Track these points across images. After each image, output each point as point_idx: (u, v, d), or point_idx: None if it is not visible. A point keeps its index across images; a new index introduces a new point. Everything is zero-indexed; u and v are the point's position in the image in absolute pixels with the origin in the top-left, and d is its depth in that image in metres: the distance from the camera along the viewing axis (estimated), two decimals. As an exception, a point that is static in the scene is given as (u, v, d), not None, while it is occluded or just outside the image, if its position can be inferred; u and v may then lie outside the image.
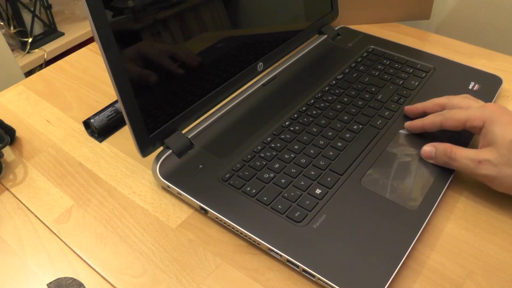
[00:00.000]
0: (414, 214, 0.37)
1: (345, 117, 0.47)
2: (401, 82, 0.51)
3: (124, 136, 0.49)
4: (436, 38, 0.62)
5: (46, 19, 1.13)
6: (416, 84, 0.51)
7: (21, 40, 1.10)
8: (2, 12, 1.07)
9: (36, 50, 1.11)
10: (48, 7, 1.11)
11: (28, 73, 1.11)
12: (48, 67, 0.61)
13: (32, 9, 1.08)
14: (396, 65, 0.54)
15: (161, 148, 0.43)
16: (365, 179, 0.40)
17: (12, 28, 1.08)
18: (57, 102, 0.55)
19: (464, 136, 0.44)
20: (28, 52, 1.10)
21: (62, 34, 1.16)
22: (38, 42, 1.12)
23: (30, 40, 1.10)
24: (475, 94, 0.49)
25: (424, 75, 0.52)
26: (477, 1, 0.71)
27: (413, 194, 0.39)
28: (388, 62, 0.54)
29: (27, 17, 1.08)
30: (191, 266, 0.36)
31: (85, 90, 0.56)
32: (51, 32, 1.14)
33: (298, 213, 0.37)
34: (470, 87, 0.50)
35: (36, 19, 1.10)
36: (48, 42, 1.13)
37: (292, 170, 0.41)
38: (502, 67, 0.56)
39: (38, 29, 1.12)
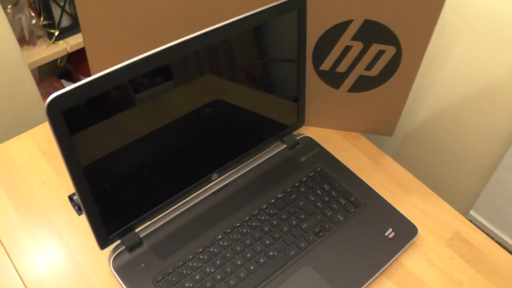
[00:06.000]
0: None
1: (267, 241, 0.63)
2: (330, 213, 0.67)
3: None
4: (386, 162, 0.76)
5: (73, 14, 1.30)
6: (341, 219, 0.66)
7: (48, 32, 1.28)
8: (34, 4, 1.25)
9: (61, 42, 1.30)
10: (78, 2, 1.28)
11: (52, 63, 1.31)
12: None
13: (61, 4, 1.25)
14: (333, 193, 0.69)
15: (118, 242, 0.62)
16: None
17: (42, 19, 1.27)
18: (55, 163, 0.73)
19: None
20: (53, 43, 1.29)
21: (88, 27, 1.34)
22: (63, 34, 1.30)
23: (56, 33, 1.28)
24: (389, 241, 0.64)
25: (352, 210, 0.67)
26: (443, 122, 0.84)
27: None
28: (327, 188, 0.70)
29: (56, 10, 1.26)
30: None
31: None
32: (76, 26, 1.32)
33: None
34: (387, 233, 0.65)
35: (64, 13, 1.27)
36: (72, 35, 1.31)
37: (207, 284, 0.59)
38: (430, 211, 0.70)
39: (65, 22, 1.30)
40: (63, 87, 1.46)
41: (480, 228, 0.68)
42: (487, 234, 0.68)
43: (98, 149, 0.53)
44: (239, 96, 0.65)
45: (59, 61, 1.34)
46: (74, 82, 1.53)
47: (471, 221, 1.21)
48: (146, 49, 0.71)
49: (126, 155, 0.56)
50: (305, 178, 0.71)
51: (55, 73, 1.51)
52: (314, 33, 0.69)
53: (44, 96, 1.40)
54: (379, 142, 0.86)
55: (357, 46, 0.70)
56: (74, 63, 1.49)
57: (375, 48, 0.70)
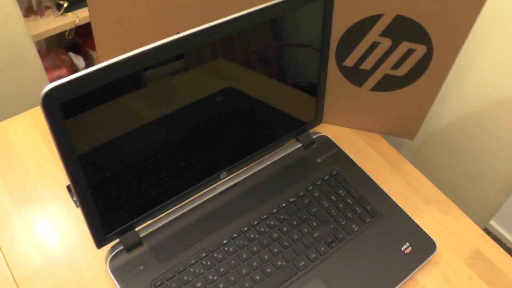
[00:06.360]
0: None
1: (275, 249, 0.58)
2: (344, 222, 0.61)
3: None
4: (406, 167, 0.70)
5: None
6: (356, 229, 0.61)
7: (57, 2, 1.22)
8: (43, -28, 1.19)
9: (70, 14, 1.23)
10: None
11: (60, 34, 1.25)
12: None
13: (72, -26, 1.18)
14: (349, 200, 0.64)
15: (116, 241, 0.57)
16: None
17: (50, -12, 1.20)
18: (54, 148, 0.68)
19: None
20: (61, 14, 1.22)
21: None
22: (73, 6, 1.23)
23: (65, 4, 1.21)
24: (406, 256, 0.59)
25: (368, 220, 0.62)
26: (468, 127, 0.77)
27: None
28: (343, 194, 0.64)
29: (66, -20, 1.19)
30: None
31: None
32: (86, -2, 1.25)
33: None
34: (403, 248, 0.60)
35: (74, -17, 1.20)
36: (82, 8, 1.24)
37: (209, 294, 0.54)
38: (450, 225, 0.64)
39: (75, -7, 1.23)
40: (70, 60, 1.40)
41: (498, 239, 0.63)
42: (505, 245, 0.62)
43: (97, 139, 0.48)
44: (253, 86, 0.59)
45: (67, 33, 1.28)
46: (82, 55, 1.47)
47: (489, 231, 1.15)
48: (156, 29, 0.65)
49: (128, 148, 0.51)
50: (319, 182, 0.65)
51: (63, 45, 1.45)
52: (340, 26, 0.63)
53: (50, 68, 1.34)
54: (398, 143, 0.80)
55: (385, 43, 0.63)
56: (83, 36, 1.42)
57: (404, 46, 0.63)
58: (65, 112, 0.43)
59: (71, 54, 1.43)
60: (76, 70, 1.46)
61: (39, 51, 1.34)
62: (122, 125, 0.49)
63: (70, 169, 0.47)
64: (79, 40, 1.46)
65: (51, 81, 1.29)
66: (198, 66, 0.51)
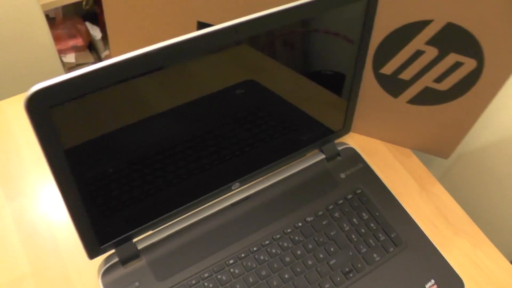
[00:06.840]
0: None
1: (286, 275, 0.52)
2: (364, 250, 0.55)
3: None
4: (437, 191, 0.63)
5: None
6: (377, 259, 0.54)
7: (75, -31, 1.13)
8: None
9: (87, -18, 1.15)
10: None
11: (79, 2, 1.17)
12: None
13: None
14: (372, 225, 0.57)
15: (112, 251, 0.50)
16: None
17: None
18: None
19: None
20: (78, -18, 1.14)
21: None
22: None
23: (83, -29, 1.13)
24: (427, 293, 0.52)
25: (391, 249, 0.55)
26: (509, 151, 0.69)
27: None
28: (366, 217, 0.57)
29: None
30: None
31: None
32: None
33: None
34: (428, 285, 0.53)
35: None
36: (101, -23, 1.16)
37: (208, 321, 0.48)
38: (480, 262, 0.57)
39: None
40: (87, 29, 1.33)
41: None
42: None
43: (91, 136, 0.41)
44: (278, 81, 0.50)
45: (84, 3, 1.20)
46: (99, 26, 1.39)
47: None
48: (173, 16, 0.58)
49: (128, 147, 0.44)
50: (341, 201, 0.58)
51: (80, 14, 1.37)
52: (381, 29, 0.55)
53: (65, 37, 1.27)
54: (428, 158, 0.72)
55: (431, 52, 0.55)
56: (101, 6, 1.34)
57: (451, 58, 0.55)
58: (53, 107, 0.36)
59: (87, 24, 1.35)
60: (92, 41, 1.39)
61: (55, 19, 1.27)
62: (121, 120, 0.41)
63: (56, 170, 0.40)
64: (97, 10, 1.38)
65: (62, 52, 1.22)
66: (217, 52, 0.43)
